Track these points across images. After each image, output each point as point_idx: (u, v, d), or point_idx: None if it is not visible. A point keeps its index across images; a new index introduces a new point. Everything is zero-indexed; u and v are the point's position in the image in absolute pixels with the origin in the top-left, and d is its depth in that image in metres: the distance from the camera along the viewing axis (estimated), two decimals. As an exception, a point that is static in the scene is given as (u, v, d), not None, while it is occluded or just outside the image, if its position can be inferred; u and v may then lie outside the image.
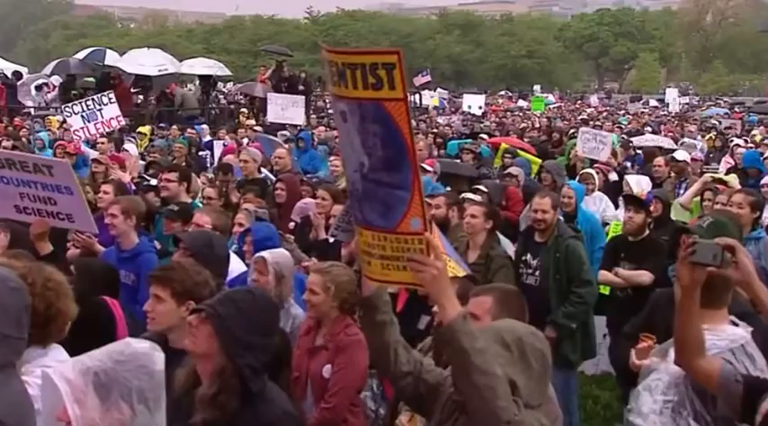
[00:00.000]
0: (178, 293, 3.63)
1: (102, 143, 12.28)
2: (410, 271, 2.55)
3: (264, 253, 4.93)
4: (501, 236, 6.73)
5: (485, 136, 15.71)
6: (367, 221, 2.64)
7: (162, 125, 17.99)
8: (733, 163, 12.84)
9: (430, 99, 31.40)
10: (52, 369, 2.11)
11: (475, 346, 2.48)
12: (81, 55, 26.40)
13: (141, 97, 24.97)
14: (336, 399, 4.35)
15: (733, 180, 8.74)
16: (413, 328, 4.78)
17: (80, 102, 13.17)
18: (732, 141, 17.26)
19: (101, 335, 2.79)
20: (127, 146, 12.91)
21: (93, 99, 13.23)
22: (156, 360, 2.18)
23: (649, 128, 23.02)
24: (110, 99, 13.10)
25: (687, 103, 47.81)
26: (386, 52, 2.36)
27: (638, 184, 9.02)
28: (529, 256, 6.40)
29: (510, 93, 57.64)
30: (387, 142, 2.44)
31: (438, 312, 2.59)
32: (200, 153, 14.16)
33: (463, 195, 7.82)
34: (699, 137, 18.82)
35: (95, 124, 12.70)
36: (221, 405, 2.93)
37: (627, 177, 9.75)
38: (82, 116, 12.66)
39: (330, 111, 28.82)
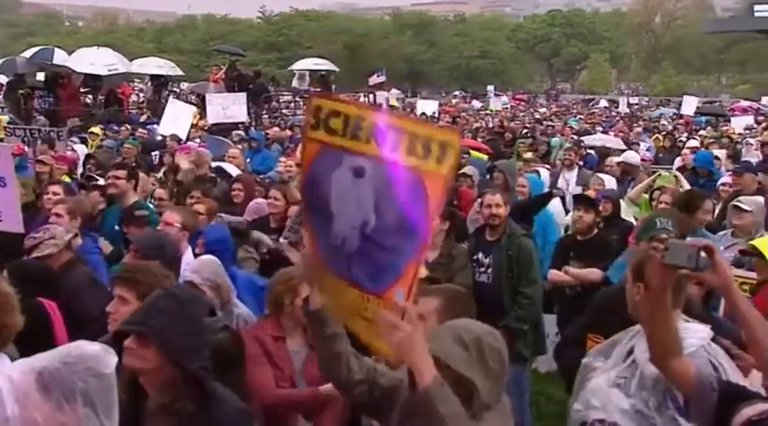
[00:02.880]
0: (143, 295, 3.54)
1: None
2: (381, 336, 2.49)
3: (189, 276, 4.82)
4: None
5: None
6: (353, 278, 2.62)
7: (111, 126, 17.63)
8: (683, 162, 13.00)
9: (384, 99, 31.35)
10: None
11: (449, 413, 2.46)
12: (28, 53, 25.72)
13: (91, 97, 24.53)
14: None
15: (666, 181, 8.75)
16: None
17: (24, 128, 12.72)
18: (682, 142, 17.54)
19: (35, 338, 2.70)
20: (76, 146, 12.65)
21: (39, 130, 12.72)
22: (106, 363, 2.11)
23: (600, 129, 23.33)
24: (59, 136, 12.45)
25: (637, 104, 48.54)
26: (446, 129, 2.37)
27: (609, 182, 9.09)
28: (481, 255, 6.41)
29: (464, 94, 57.87)
30: (408, 209, 2.38)
31: (414, 374, 2.51)
32: (152, 153, 13.91)
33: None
34: (646, 138, 19.12)
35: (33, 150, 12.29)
36: (178, 412, 2.89)
37: (597, 175, 9.77)
38: (23, 139, 12.10)
39: (284, 111, 28.63)
